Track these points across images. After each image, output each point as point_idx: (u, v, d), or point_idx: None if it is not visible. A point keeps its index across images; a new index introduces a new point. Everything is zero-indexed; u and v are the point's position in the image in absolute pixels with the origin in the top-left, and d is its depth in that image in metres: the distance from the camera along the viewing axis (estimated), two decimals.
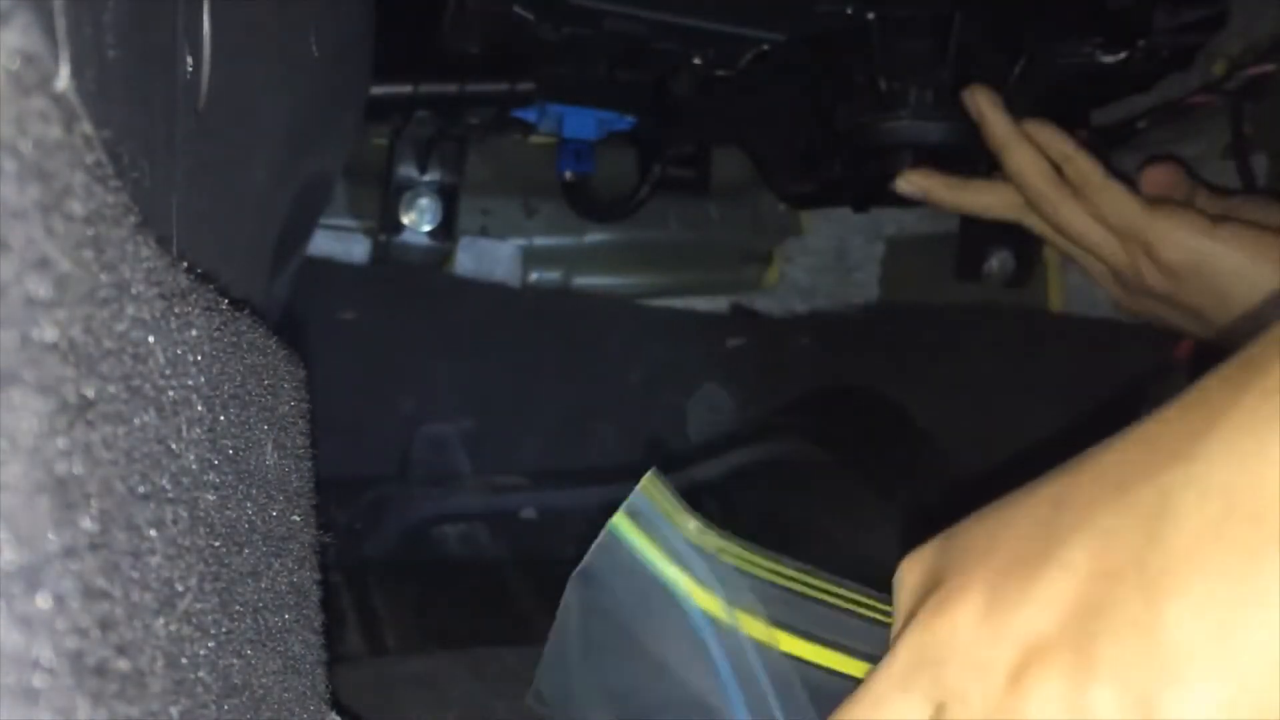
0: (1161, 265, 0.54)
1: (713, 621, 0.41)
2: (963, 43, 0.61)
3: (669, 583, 0.42)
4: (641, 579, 0.42)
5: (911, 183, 0.62)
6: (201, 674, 0.22)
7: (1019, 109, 0.62)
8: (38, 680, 0.16)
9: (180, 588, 0.21)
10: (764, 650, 0.40)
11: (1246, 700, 0.22)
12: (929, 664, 0.27)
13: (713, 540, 0.43)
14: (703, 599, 0.42)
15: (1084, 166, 0.56)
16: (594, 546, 0.43)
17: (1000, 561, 0.27)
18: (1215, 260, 0.52)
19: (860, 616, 0.41)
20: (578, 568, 0.43)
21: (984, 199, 0.61)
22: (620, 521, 0.43)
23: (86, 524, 0.17)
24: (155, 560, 0.20)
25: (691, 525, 0.43)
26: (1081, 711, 0.24)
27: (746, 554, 0.42)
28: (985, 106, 0.59)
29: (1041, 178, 0.57)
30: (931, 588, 0.29)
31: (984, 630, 0.26)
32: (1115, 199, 0.55)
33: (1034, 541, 0.26)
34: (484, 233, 0.91)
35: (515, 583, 0.74)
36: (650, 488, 0.43)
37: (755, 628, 0.41)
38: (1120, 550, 0.24)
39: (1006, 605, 0.26)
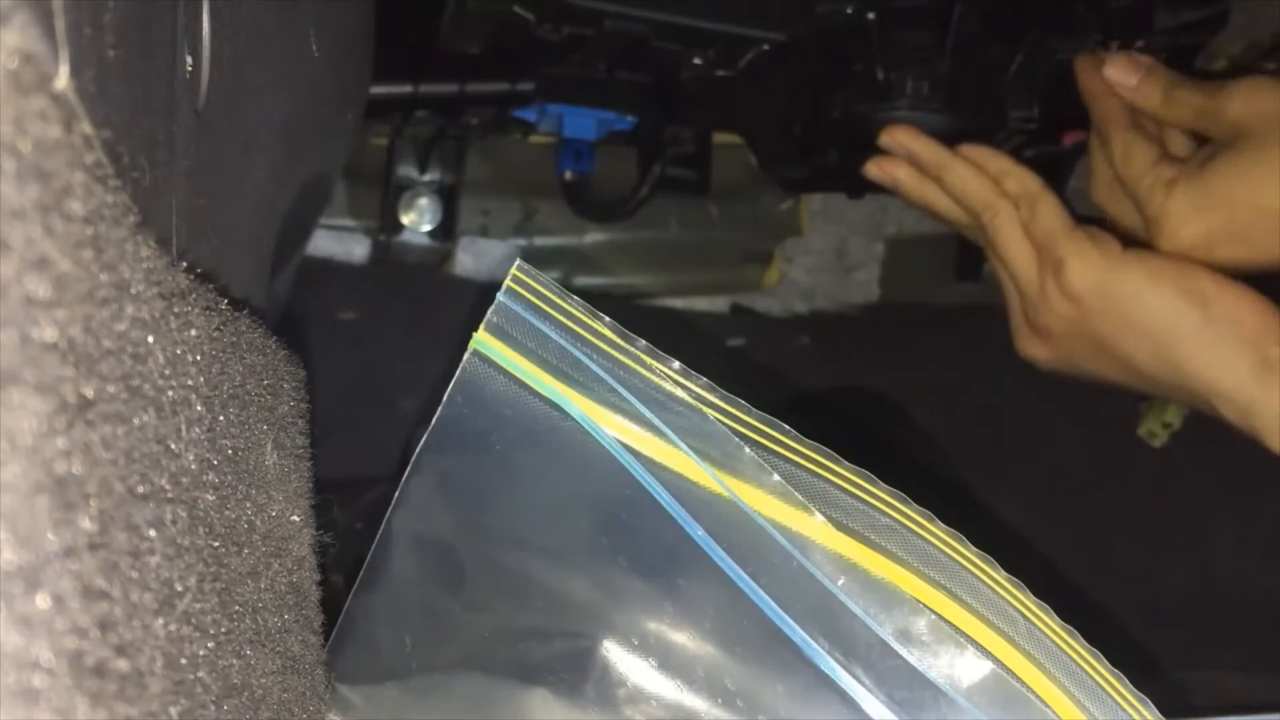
0: (1065, 288, 0.54)
1: (654, 469, 0.29)
2: (961, 35, 0.61)
3: (577, 415, 0.29)
4: (530, 416, 0.29)
5: (882, 169, 0.62)
6: (201, 674, 0.22)
7: (1017, 102, 0.62)
8: (37, 680, 0.16)
9: (179, 588, 0.21)
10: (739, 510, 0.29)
11: None
12: None
13: (629, 349, 0.29)
14: (615, 424, 0.29)
15: (1022, 176, 0.56)
16: (450, 389, 0.29)
17: None
18: (1119, 285, 0.52)
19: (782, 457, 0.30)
20: (422, 440, 0.30)
21: (944, 199, 0.61)
22: (483, 343, 0.29)
23: (86, 524, 0.17)
24: (154, 560, 0.20)
25: (602, 325, 0.29)
26: None
27: (681, 378, 0.30)
28: (909, 140, 0.60)
29: (982, 187, 0.57)
30: None
31: None
32: (1047, 208, 0.55)
33: None
34: (484, 233, 0.91)
35: None
36: (521, 284, 0.29)
37: (742, 491, 0.29)
38: None
39: None
